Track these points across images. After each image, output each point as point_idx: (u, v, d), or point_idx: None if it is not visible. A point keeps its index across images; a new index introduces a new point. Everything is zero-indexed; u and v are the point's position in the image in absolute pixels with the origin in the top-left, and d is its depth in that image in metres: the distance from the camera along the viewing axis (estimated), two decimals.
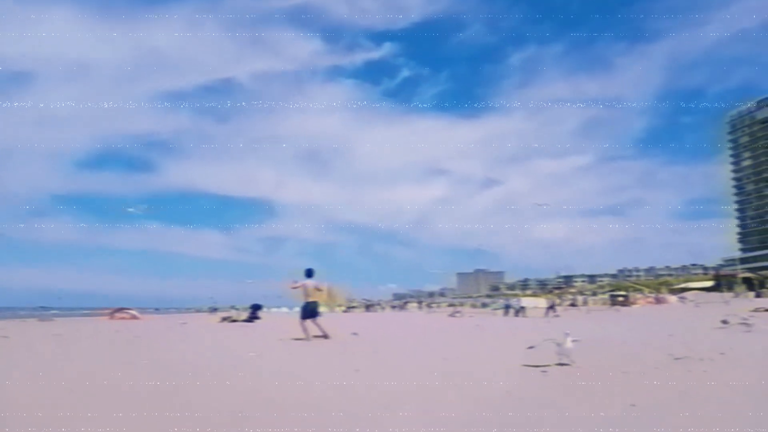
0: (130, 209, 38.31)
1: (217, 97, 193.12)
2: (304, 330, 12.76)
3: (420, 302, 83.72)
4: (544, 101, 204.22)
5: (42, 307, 34.73)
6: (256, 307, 30.99)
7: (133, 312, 39.38)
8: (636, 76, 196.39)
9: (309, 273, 13.33)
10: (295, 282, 13.18)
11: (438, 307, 72.80)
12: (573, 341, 7.66)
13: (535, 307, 42.15)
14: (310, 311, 13.09)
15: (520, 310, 37.40)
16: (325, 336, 12.63)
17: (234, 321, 27.14)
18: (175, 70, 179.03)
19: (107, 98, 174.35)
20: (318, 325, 12.91)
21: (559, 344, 7.63)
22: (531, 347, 7.90)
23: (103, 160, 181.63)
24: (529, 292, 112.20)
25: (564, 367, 7.48)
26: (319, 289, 13.28)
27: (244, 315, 29.80)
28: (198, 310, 63.80)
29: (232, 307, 39.30)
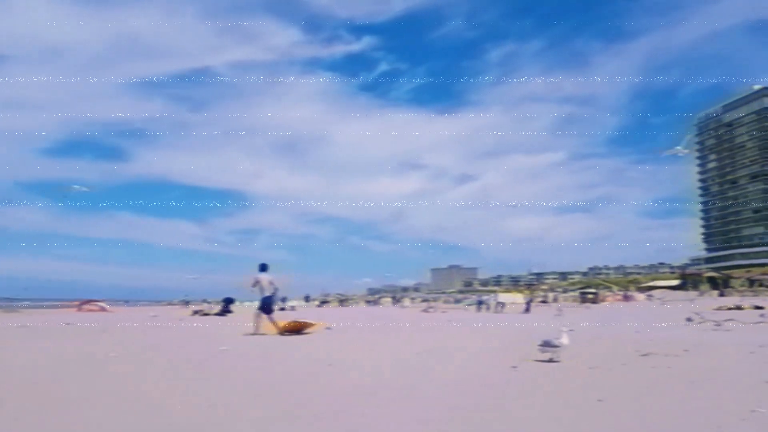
0: (75, 186, 36.64)
1: (193, 86, 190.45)
2: (256, 324, 12.63)
3: (394, 297, 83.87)
4: (520, 97, 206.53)
5: (7, 297, 33.77)
6: (228, 301, 30.67)
7: (102, 304, 38.70)
8: (611, 75, 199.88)
9: (263, 268, 13.04)
10: (255, 280, 12.86)
11: (412, 302, 73.08)
12: (569, 332, 7.80)
13: (513, 303, 42.66)
14: (266, 306, 12.90)
15: (499, 306, 37.82)
16: (281, 333, 12.43)
17: (206, 314, 26.89)
18: (150, 56, 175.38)
19: (79, 83, 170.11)
20: (273, 321, 12.74)
21: (554, 340, 7.71)
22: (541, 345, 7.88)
23: (73, 146, 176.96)
24: (501, 288, 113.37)
25: (535, 362, 7.61)
26: (273, 284, 12.96)
27: (217, 308, 29.51)
28: (170, 303, 62.79)
29: (204, 301, 38.87)
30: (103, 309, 36.57)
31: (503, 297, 46.47)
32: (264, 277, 12.87)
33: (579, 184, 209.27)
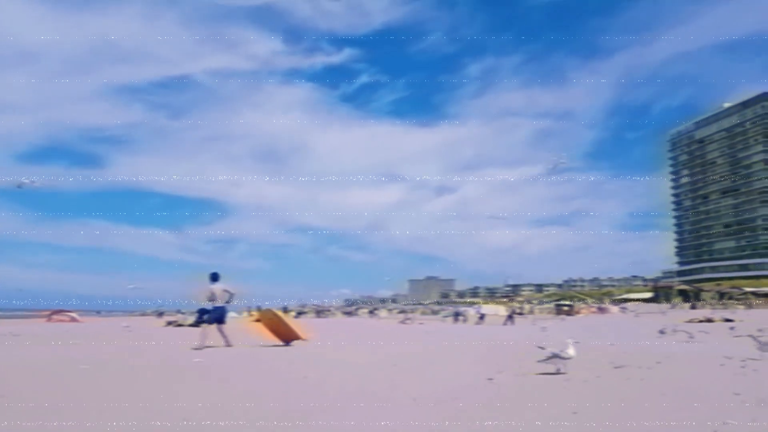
0: (25, 180, 35.28)
1: (173, 92, 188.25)
2: (203, 336, 12.09)
3: (372, 309, 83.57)
4: (499, 111, 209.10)
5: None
6: (203, 312, 30.09)
7: (73, 314, 37.75)
8: (587, 91, 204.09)
9: (215, 277, 12.55)
10: (210, 292, 12.35)
11: (390, 313, 72.84)
12: (575, 343, 7.81)
13: (495, 315, 42.40)
14: (216, 317, 12.44)
15: (480, 317, 37.59)
16: (228, 344, 12.02)
17: (180, 325, 26.37)
18: (129, 62, 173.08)
19: (55, 88, 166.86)
20: (222, 332, 12.26)
21: (559, 352, 7.70)
22: (542, 360, 7.85)
23: (47, 152, 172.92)
24: (480, 299, 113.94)
25: (509, 373, 7.61)
26: (227, 292, 12.47)
27: (191, 319, 28.97)
28: (143, 313, 61.55)
29: (179, 311, 38.23)
30: (74, 320, 35.64)
31: (485, 308, 45.94)
32: (217, 287, 12.40)
33: (556, 197, 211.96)
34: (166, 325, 26.46)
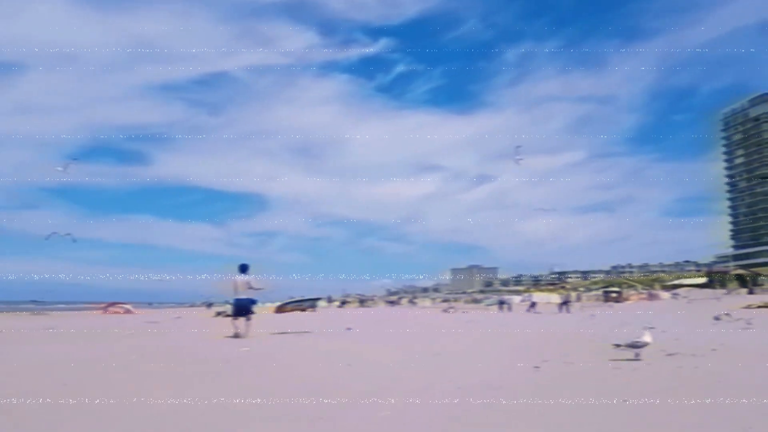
0: (58, 168, 35.92)
1: (210, 90, 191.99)
2: (235, 327, 12.21)
3: (413, 298, 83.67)
4: (537, 98, 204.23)
5: (34, 300, 34.53)
6: (250, 302, 30.86)
7: (127, 306, 39.29)
8: (628, 74, 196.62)
9: (243, 268, 12.54)
10: (234, 281, 12.39)
11: (433, 302, 72.76)
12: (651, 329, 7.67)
13: (548, 303, 40.24)
14: (240, 309, 12.45)
15: (532, 306, 35.71)
16: (241, 335, 11.93)
17: (228, 316, 27.03)
18: (167, 61, 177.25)
19: (98, 89, 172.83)
20: (244, 324, 12.22)
21: (637, 339, 7.62)
22: (618, 345, 7.79)
23: (93, 151, 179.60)
24: (522, 287, 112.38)
25: (556, 362, 7.48)
26: (251, 287, 12.43)
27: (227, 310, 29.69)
28: (192, 305, 63.52)
29: (227, 302, 39.25)
30: (128, 311, 37.15)
31: (537, 296, 43.75)
32: (240, 278, 12.39)
33: (599, 183, 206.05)
34: (215, 316, 27.18)
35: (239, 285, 12.34)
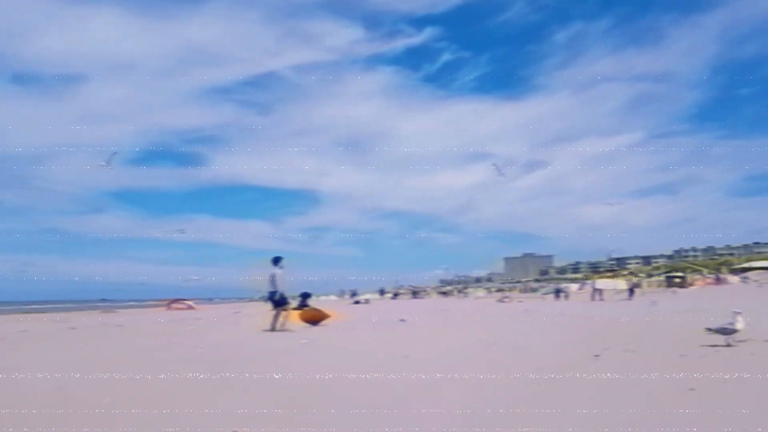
0: (101, 163, 35.90)
1: (259, 90, 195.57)
2: (276, 319, 12.41)
3: (464, 288, 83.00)
4: (590, 79, 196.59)
5: (103, 299, 36.54)
6: (305, 295, 31.51)
7: (189, 302, 40.78)
8: (688, 48, 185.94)
9: (276, 261, 12.73)
10: (271, 275, 12.56)
11: (488, 292, 72.00)
12: (742, 314, 7.36)
13: (614, 290, 38.17)
14: (275, 301, 12.62)
15: (596, 293, 33.89)
16: (271, 329, 12.22)
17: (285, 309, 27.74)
18: (216, 64, 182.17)
19: (154, 95, 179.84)
20: (277, 317, 12.44)
21: (729, 324, 7.35)
22: (709, 329, 7.53)
23: (152, 155, 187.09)
24: (579, 275, 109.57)
25: (617, 350, 7.29)
26: (276, 279, 12.53)
27: (295, 303, 30.40)
28: (251, 299, 65.46)
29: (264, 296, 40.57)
30: (190, 307, 38.59)
31: (601, 283, 40.90)
32: (272, 272, 12.58)
33: (659, 164, 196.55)
34: (273, 309, 27.92)
35: (273, 278, 12.57)
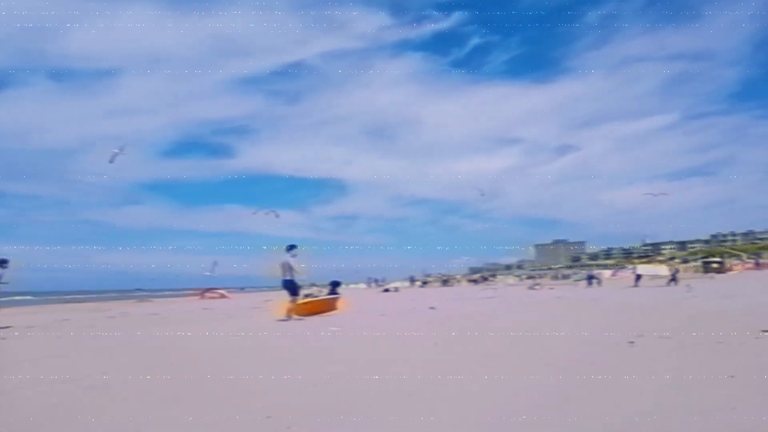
0: (115, 150, 34.99)
1: (287, 80, 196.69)
2: (291, 309, 12.33)
3: (492, 275, 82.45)
4: (623, 59, 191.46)
5: (138, 288, 37.54)
6: (335, 284, 31.91)
7: (222, 291, 41.58)
8: (726, 26, 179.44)
9: (290, 248, 12.62)
10: (284, 263, 12.51)
11: (519, 279, 71.39)
12: None
13: (655, 276, 36.42)
14: (289, 289, 12.53)
15: (638, 279, 33.08)
16: (286, 317, 12.10)
17: (315, 297, 28.05)
18: (245, 55, 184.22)
19: (185, 87, 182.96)
20: (290, 305, 12.37)
21: None
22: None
23: (183, 146, 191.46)
24: (612, 261, 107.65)
25: (652, 336, 7.14)
26: (292, 267, 12.48)
27: (325, 291, 30.70)
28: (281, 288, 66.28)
29: (313, 284, 40.70)
30: (223, 296, 39.38)
31: (643, 268, 39.58)
32: (286, 259, 12.51)
33: (696, 146, 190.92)
34: (303, 298, 28.25)
35: (286, 266, 12.47)
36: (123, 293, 41.39)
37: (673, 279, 30.93)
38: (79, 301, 34.20)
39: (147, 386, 4.90)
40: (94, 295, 45.90)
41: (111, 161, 29.22)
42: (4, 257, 12.89)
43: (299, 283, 12.89)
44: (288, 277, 12.50)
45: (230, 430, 3.48)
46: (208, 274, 37.61)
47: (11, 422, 3.76)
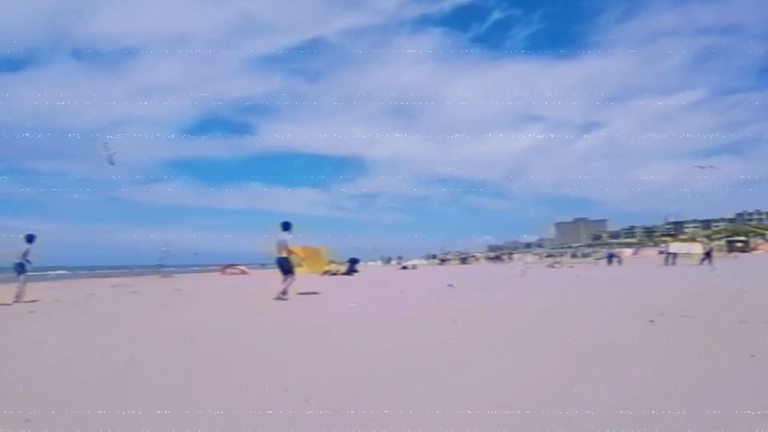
0: (109, 147, 34.00)
1: (308, 57, 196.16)
2: (285, 285, 11.95)
3: (511, 253, 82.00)
4: (650, 34, 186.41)
5: (160, 264, 38.34)
6: (353, 261, 32.33)
7: (243, 267, 42.13)
8: None
9: (285, 226, 12.21)
10: (279, 241, 12.09)
11: (539, 258, 70.97)
12: None
13: (688, 254, 35.40)
14: (283, 268, 12.18)
15: (670, 257, 32.18)
16: (280, 297, 11.68)
17: (334, 274, 28.29)
18: (266, 33, 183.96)
19: (206, 67, 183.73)
20: (287, 283, 11.98)
21: None
22: None
23: (205, 125, 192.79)
24: (634, 240, 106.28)
25: (672, 316, 7.08)
26: (287, 248, 12.17)
27: (344, 268, 30.95)
28: (300, 265, 67.03)
29: (332, 261, 41.22)
30: (243, 272, 39.90)
31: (675, 246, 38.10)
32: (281, 238, 12.12)
33: (723, 123, 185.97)
34: (322, 275, 28.51)
35: (280, 244, 12.15)
36: (148, 268, 42.26)
37: (708, 257, 29.69)
38: (103, 276, 34.98)
39: (169, 364, 5.02)
40: (119, 271, 46.88)
41: (111, 163, 29.39)
42: (31, 233, 13.14)
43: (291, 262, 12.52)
44: (283, 255, 12.24)
45: (252, 400, 3.57)
46: (159, 263, 38.79)
47: (35, 402, 3.88)
